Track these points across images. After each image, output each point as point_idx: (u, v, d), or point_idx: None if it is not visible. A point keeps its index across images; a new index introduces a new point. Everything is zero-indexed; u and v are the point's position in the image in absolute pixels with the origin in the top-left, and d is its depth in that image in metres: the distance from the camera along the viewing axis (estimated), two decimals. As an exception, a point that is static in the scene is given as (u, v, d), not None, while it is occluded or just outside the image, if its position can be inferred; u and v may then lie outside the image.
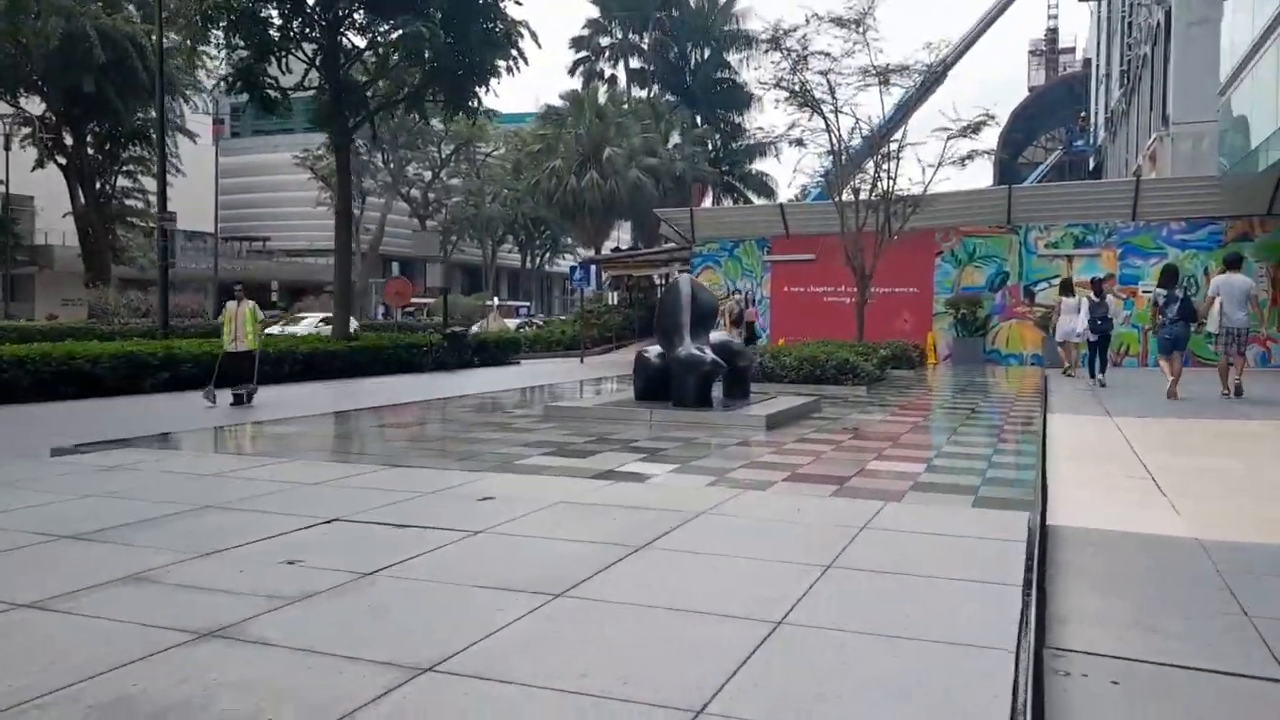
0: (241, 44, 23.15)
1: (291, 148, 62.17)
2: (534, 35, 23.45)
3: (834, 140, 18.10)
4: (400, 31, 22.02)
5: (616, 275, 36.61)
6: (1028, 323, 23.34)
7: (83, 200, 43.39)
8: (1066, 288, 19.44)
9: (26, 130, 45.01)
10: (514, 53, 23.36)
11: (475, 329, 32.55)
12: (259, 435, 9.08)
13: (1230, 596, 3.89)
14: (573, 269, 27.53)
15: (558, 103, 40.41)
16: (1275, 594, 3.91)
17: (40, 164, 43.89)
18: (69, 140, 42.81)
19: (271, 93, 23.78)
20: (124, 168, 46.41)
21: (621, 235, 54.46)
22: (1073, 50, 67.31)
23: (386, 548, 4.16)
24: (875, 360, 14.60)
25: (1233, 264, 13.43)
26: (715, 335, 10.37)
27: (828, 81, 17.36)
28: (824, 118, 17.80)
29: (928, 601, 3.49)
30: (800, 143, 18.52)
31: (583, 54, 45.47)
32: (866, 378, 13.43)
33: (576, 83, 44.70)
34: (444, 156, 64.03)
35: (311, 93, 24.54)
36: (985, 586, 3.69)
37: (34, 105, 42.72)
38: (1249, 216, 22.01)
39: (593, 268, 32.55)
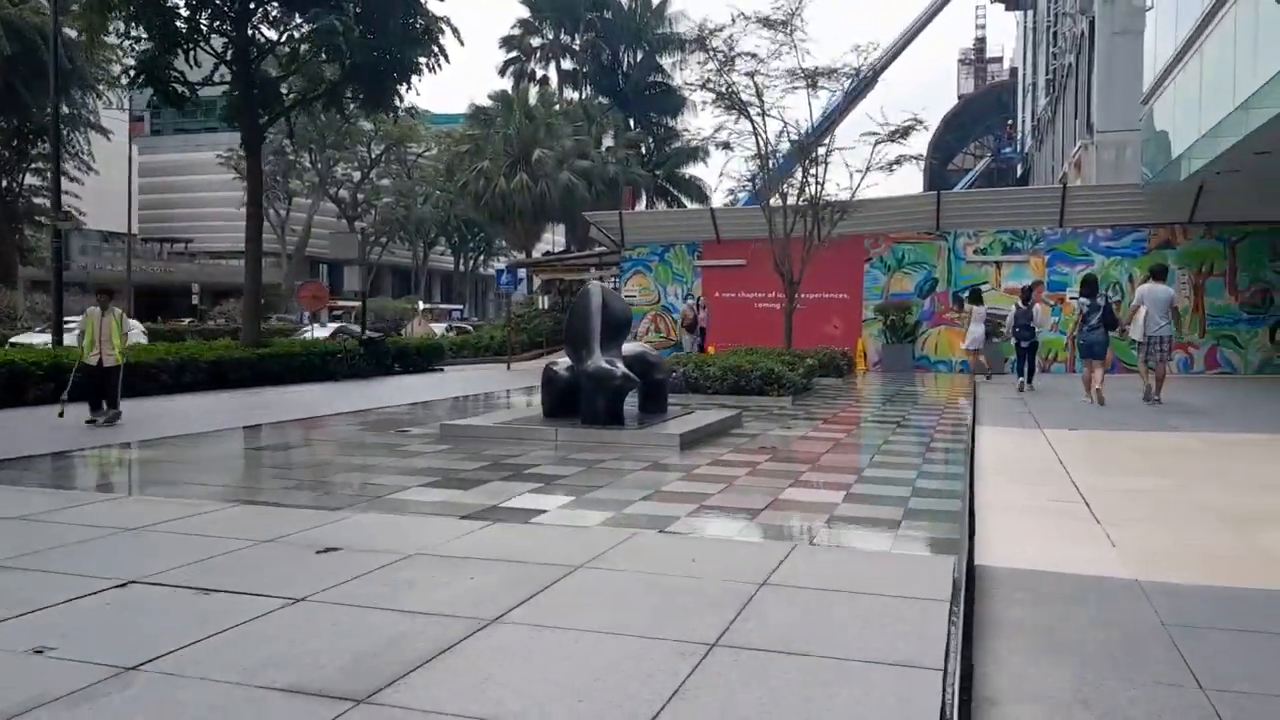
0: (145, 35, 21.84)
1: (216, 147, 60.11)
2: (456, 32, 22.51)
3: (761, 144, 17.54)
4: (313, 25, 20.95)
5: (549, 279, 35.76)
6: (957, 329, 23.07)
7: (-13, 198, 41.29)
8: (976, 296, 20.36)
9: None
10: (435, 49, 22.39)
11: (402, 333, 31.48)
12: (105, 462, 8.08)
13: (1179, 659, 3.29)
14: (499, 273, 26.68)
15: (487, 103, 39.42)
16: (1224, 654, 3.33)
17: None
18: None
19: (178, 87, 22.52)
20: (32, 165, 44.32)
21: (556, 238, 53.61)
22: (1000, 60, 68.29)
23: (174, 625, 3.33)
24: (802, 370, 14.03)
25: (1157, 274, 13.83)
26: (630, 346, 9.65)
27: (754, 83, 16.78)
28: (750, 120, 17.22)
29: (831, 698, 2.80)
30: (727, 146, 17.93)
31: (513, 54, 44.47)
32: (792, 388, 12.83)
33: (508, 83, 43.76)
34: (374, 157, 62.51)
35: (224, 88, 23.29)
36: (903, 673, 3.01)
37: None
38: (1171, 224, 22.01)
39: (520, 271, 31.68)
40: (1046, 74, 37.54)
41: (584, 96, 42.75)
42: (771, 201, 18.58)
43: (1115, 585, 4.38)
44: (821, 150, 17.99)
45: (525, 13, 44.11)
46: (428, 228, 65.55)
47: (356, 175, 63.26)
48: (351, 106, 24.13)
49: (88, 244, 49.98)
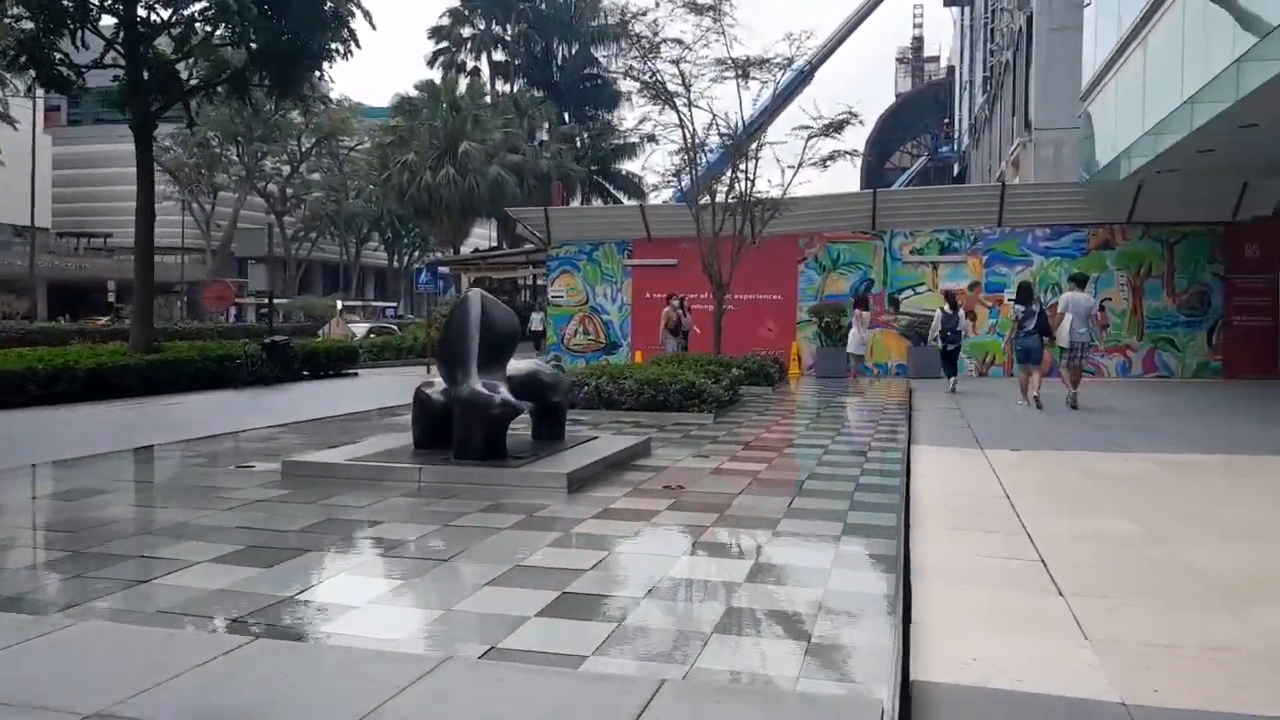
0: (26, 13, 19.87)
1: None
2: (368, 15, 20.88)
3: (687, 136, 16.24)
4: (207, 3, 19.20)
5: (479, 277, 34.17)
6: (892, 331, 22.08)
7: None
8: (862, 302, 20.44)
9: None
10: (345, 33, 20.75)
11: (320, 334, 29.68)
12: None
13: None
14: (418, 271, 25.05)
15: (414, 94, 37.57)
16: None
17: None
18: None
19: (63, 70, 20.58)
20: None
21: (488, 234, 51.83)
22: (937, 59, 67.91)
23: None
24: (727, 380, 12.75)
25: (1080, 282, 14.56)
26: (523, 364, 8.26)
27: (680, 71, 15.48)
28: (676, 111, 15.93)
29: None
30: (652, 138, 16.62)
31: (442, 45, 42.55)
32: (714, 403, 11.55)
33: (437, 75, 41.85)
34: (304, 150, 60.12)
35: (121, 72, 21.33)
36: None
37: None
38: (1111, 224, 21.22)
39: (440, 270, 30.05)
40: (984, 71, 36.87)
41: (516, 89, 41.11)
42: (701, 200, 17.30)
43: (1096, 714, 3.18)
44: (753, 146, 16.73)
45: (455, 1, 42.29)
46: (360, 223, 63.31)
47: (286, 169, 60.82)
48: (257, 95, 22.31)
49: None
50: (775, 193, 17.00)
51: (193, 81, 21.89)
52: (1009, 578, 4.83)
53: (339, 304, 38.90)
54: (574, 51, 42.70)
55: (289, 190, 61.16)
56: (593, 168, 40.63)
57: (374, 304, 64.83)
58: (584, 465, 7.19)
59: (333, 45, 21.18)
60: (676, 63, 15.36)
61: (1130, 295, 21.11)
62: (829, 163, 16.95)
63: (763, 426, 10.83)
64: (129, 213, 64.72)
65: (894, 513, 6.22)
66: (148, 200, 19.61)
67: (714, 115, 16.40)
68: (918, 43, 68.90)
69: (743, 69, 16.64)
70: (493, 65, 42.70)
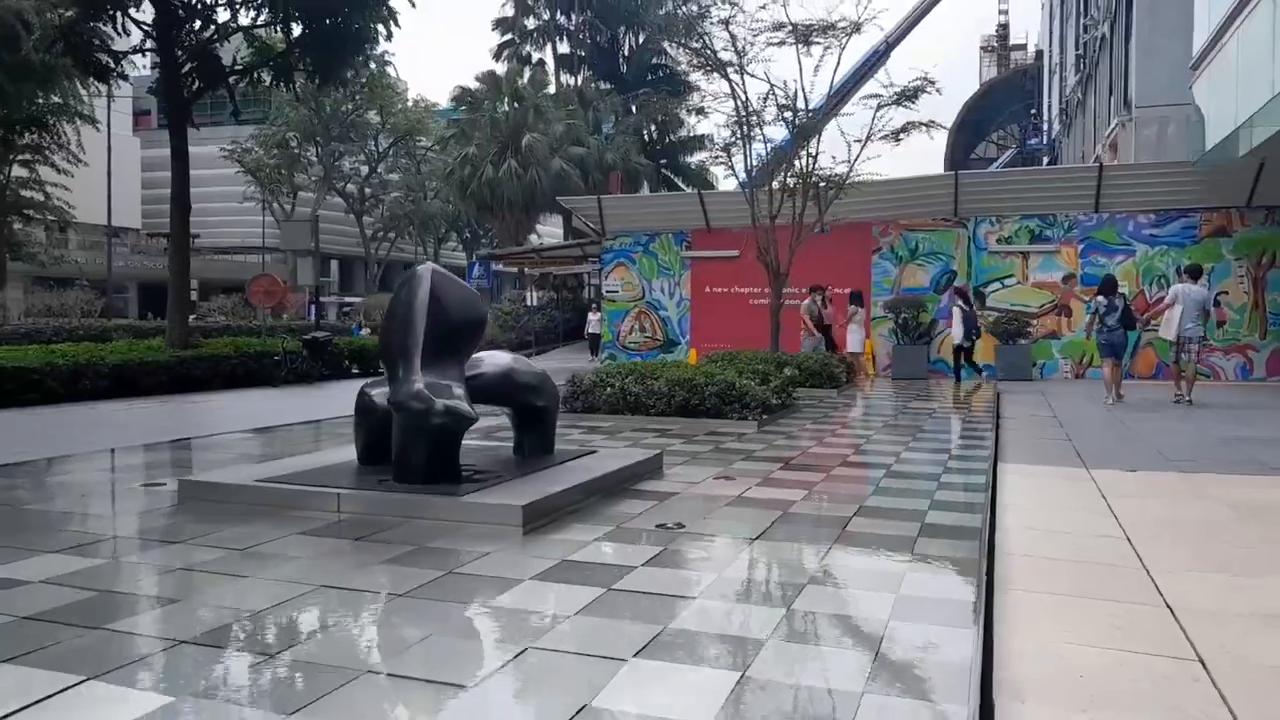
0: (65, -1, 18.92)
1: (221, 140, 57.50)
2: (406, -9, 19.52)
3: (739, 108, 14.29)
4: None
5: (543, 273, 32.68)
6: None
7: (-27, 192, 38.82)
8: (858, 298, 18.53)
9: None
10: (384, 12, 19.35)
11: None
12: None
13: None
14: (470, 266, 23.55)
15: (475, 86, 36.19)
16: None
17: (-75, 152, 39.20)
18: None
19: (101, 58, 19.64)
20: (19, 157, 41.78)
21: (553, 230, 50.37)
22: (1024, 46, 63.95)
23: None
24: (778, 381, 10.77)
25: (1194, 274, 13.72)
26: (498, 359, 6.46)
27: (729, 34, 13.54)
28: (727, 79, 13.98)
29: None
30: (701, 110, 14.71)
31: (506, 37, 41.12)
32: (759, 408, 9.60)
33: (501, 69, 40.41)
34: (381, 150, 59.69)
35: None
36: None
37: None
38: (1227, 209, 18.51)
39: (492, 265, 28.54)
40: (1076, 50, 33.82)
41: (582, 80, 39.41)
42: (752, 178, 15.33)
43: None
44: (810, 115, 14.67)
45: (522, -9, 40.86)
46: (437, 223, 62.60)
47: (365, 169, 60.49)
48: (299, 81, 21.07)
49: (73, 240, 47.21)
50: (841, 171, 14.90)
51: (237, 68, 20.75)
52: (1153, 696, 2.86)
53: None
54: (641, 41, 40.87)
55: (367, 190, 60.79)
56: (661, 161, 38.74)
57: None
58: (553, 494, 5.35)
59: (375, 26, 19.88)
60: (726, 23, 13.41)
61: (1250, 288, 18.40)
62: (902, 136, 14.79)
63: (814, 438, 8.83)
64: (215, 213, 65.28)
65: (971, 576, 4.24)
66: (182, 190, 18.47)
67: (771, 85, 14.39)
68: (1003, 29, 65.00)
69: (804, 35, 14.60)
70: (557, 58, 41.06)
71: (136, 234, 60.70)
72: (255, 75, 20.96)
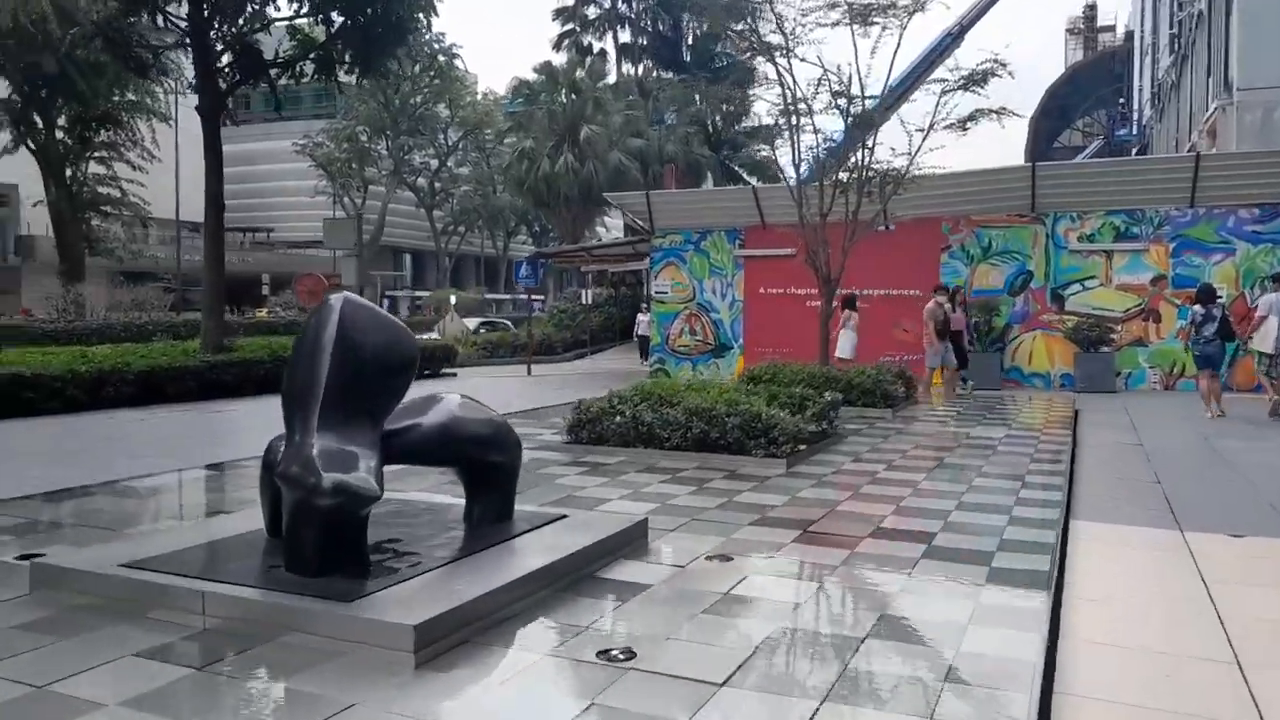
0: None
1: (294, 134, 57.71)
2: (443, -26, 18.49)
3: (786, 94, 12.80)
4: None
5: (598, 270, 31.52)
6: (1056, 335, 17.90)
7: (54, 188, 39.28)
8: (850, 302, 15.87)
9: (-1, 115, 40.70)
10: (422, 1, 18.36)
11: (433, 333, 27.70)
12: None
13: None
14: (518, 265, 22.49)
15: (532, 77, 35.07)
16: None
17: (8, 149, 39.82)
18: (40, 124, 38.72)
19: (141, 53, 19.07)
20: (95, 153, 42.28)
21: (613, 223, 49.07)
22: (1112, 29, 60.20)
23: None
24: (815, 408, 9.33)
25: None
26: (445, 404, 5.20)
27: (776, 15, 12.07)
28: (773, 62, 12.53)
29: None
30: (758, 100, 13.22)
31: (568, 26, 39.91)
32: (788, 443, 8.20)
33: (561, 59, 39.27)
34: (451, 143, 59.19)
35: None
36: None
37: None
38: (1346, 202, 16.35)
39: (542, 262, 27.44)
40: (1170, 29, 31.17)
41: (643, 70, 37.93)
42: (797, 168, 13.84)
43: None
44: (868, 101, 13.10)
45: (580, -22, 39.53)
46: (507, 216, 62.00)
47: (435, 163, 60.12)
48: (341, 71, 20.20)
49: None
50: (900, 164, 13.31)
51: (279, 60, 19.99)
52: None
53: (452, 299, 36.86)
54: (704, 29, 39.24)
55: (437, 184, 60.46)
56: (724, 153, 37.14)
57: (522, 297, 63.47)
58: (478, 598, 4.09)
59: (415, 15, 18.95)
60: (770, 2, 11.94)
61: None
62: (969, 125, 13.13)
63: (848, 486, 7.39)
64: (290, 207, 65.86)
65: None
66: (217, 188, 17.74)
67: (824, 69, 12.86)
68: (1090, 10, 61.25)
69: (860, 14, 13.04)
70: (619, 47, 39.64)
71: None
72: (297, 68, 20.19)
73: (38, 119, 38.23)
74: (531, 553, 4.86)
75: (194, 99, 19.27)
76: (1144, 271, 17.44)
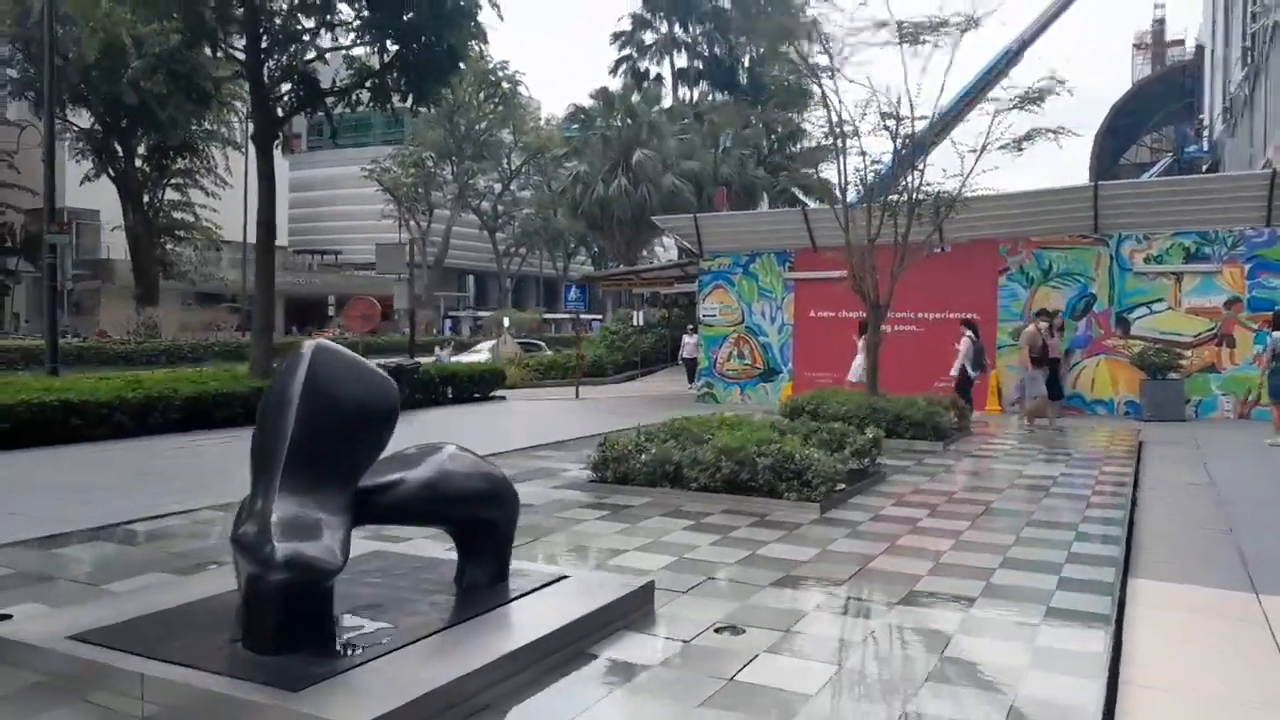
0: (176, 22, 18.46)
1: (361, 161, 58.71)
2: (495, 4, 18.31)
3: (831, 116, 12.22)
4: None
5: (651, 293, 31.11)
6: (1121, 359, 16.91)
7: (131, 214, 40.37)
8: (861, 326, 15.01)
9: (80, 144, 42.01)
10: (472, 27, 18.22)
11: (483, 355, 27.51)
12: None
13: None
14: (567, 288, 22.19)
15: (588, 103, 34.93)
16: None
17: (89, 177, 41.09)
18: (120, 152, 39.88)
19: (203, 84, 19.28)
20: (172, 180, 43.41)
21: (666, 246, 48.66)
22: (1182, 42, 58.00)
23: None
24: (855, 446, 8.70)
25: None
26: (433, 459, 4.76)
27: (819, 33, 11.53)
28: (818, 82, 11.98)
29: None
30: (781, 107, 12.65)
31: (625, 52, 39.71)
32: (823, 485, 7.60)
33: (619, 83, 39.05)
34: (514, 168, 59.59)
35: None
36: None
37: (83, 119, 39.77)
38: None
39: (586, 288, 27.12)
40: (1243, 41, 29.69)
41: (699, 93, 37.50)
42: (842, 191, 13.20)
43: None
44: (919, 122, 12.44)
45: (638, 6, 39.23)
46: (567, 238, 62.16)
47: (498, 186, 60.57)
48: (395, 99, 20.16)
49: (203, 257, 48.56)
50: (951, 186, 12.63)
51: (335, 89, 20.05)
52: None
53: (506, 321, 36.77)
54: (759, 51, 38.68)
55: (500, 207, 60.85)
56: (780, 174, 36.44)
57: (583, 316, 63.45)
58: (443, 686, 3.62)
59: (470, 43, 18.86)
60: (814, 23, 11.41)
61: None
62: (1025, 144, 12.38)
63: (885, 536, 6.76)
64: (357, 230, 67.00)
65: None
66: (269, 213, 17.74)
67: (873, 89, 12.25)
68: (1159, 25, 59.08)
69: (910, 34, 12.42)
70: (675, 72, 39.32)
71: (283, 251, 62.67)
72: (353, 96, 20.22)
73: (118, 147, 39.37)
74: (520, 625, 4.37)
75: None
76: (1217, 294, 16.38)
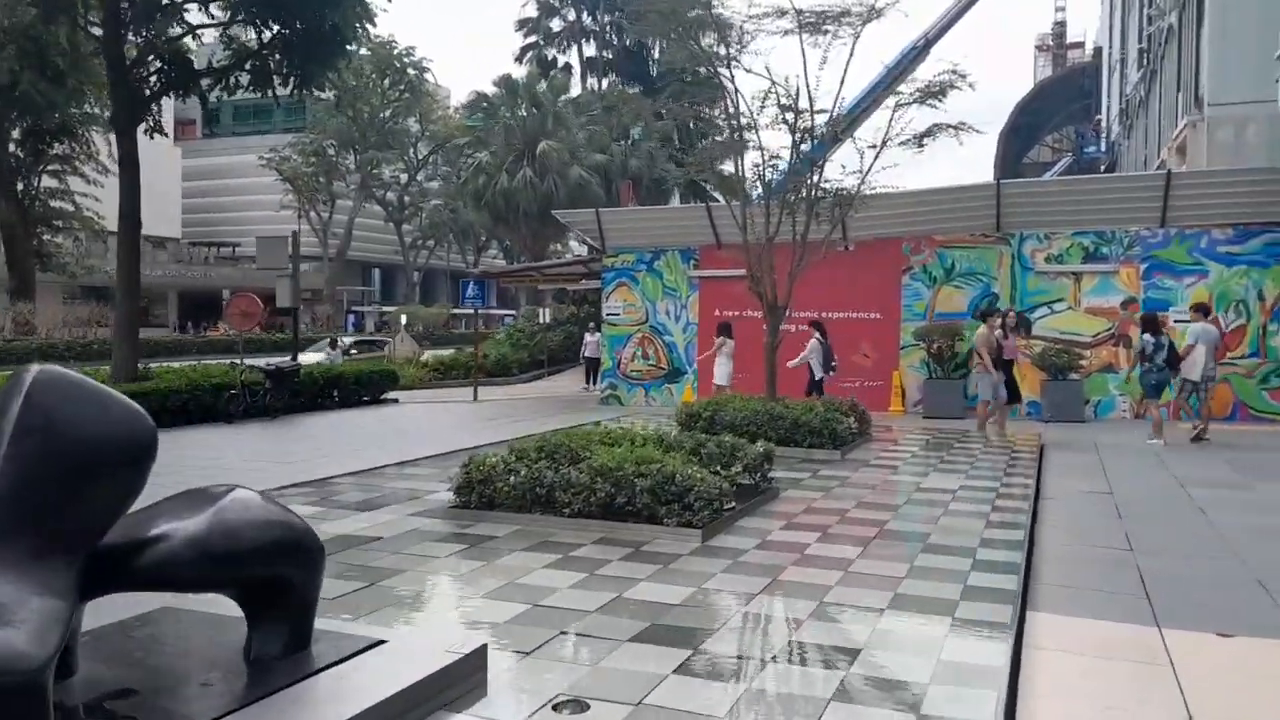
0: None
1: (261, 149, 56.29)
2: (379, -16, 17.28)
3: (729, 107, 11.65)
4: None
5: (557, 290, 30.27)
6: (1023, 360, 16.78)
7: (3, 203, 37.70)
8: (726, 329, 16.05)
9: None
10: (358, 8, 17.12)
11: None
12: None
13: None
14: (464, 283, 21.21)
15: (491, 90, 33.83)
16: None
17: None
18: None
19: (58, 61, 17.72)
20: (48, 167, 40.78)
21: (574, 241, 47.86)
22: (1082, 45, 59.64)
23: None
24: (744, 463, 8.10)
25: (1204, 311, 13.19)
26: (199, 510, 3.89)
27: (712, 17, 10.93)
28: (715, 73, 11.40)
29: None
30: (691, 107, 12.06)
31: (532, 39, 38.72)
32: (705, 510, 6.96)
33: (524, 72, 37.97)
34: (421, 158, 57.94)
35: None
36: None
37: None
38: (1322, 222, 15.38)
39: (483, 283, 26.17)
40: (1139, 43, 30.34)
41: (608, 84, 36.73)
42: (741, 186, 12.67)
43: None
44: (818, 116, 11.95)
45: (543, -10, 38.22)
46: (477, 231, 60.76)
47: (404, 177, 58.81)
48: (276, 82, 18.88)
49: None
50: (850, 184, 12.18)
51: (213, 70, 18.66)
52: None
53: (403, 319, 35.40)
54: (671, 42, 38.01)
55: (406, 198, 59.10)
56: (692, 171, 35.76)
57: (495, 312, 61.99)
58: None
59: (356, 24, 17.75)
60: (708, 7, 10.80)
61: (1350, 314, 15.25)
62: (926, 140, 12.00)
63: (771, 566, 6.13)
64: (254, 222, 64.32)
65: None
66: (131, 204, 16.35)
67: (772, 81, 11.71)
68: (1060, 27, 60.67)
69: (812, 22, 11.92)
70: (584, 61, 38.42)
71: (177, 243, 59.78)
72: (231, 79, 18.86)
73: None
74: (305, 714, 3.57)
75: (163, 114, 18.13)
76: (1115, 294, 16.41)
